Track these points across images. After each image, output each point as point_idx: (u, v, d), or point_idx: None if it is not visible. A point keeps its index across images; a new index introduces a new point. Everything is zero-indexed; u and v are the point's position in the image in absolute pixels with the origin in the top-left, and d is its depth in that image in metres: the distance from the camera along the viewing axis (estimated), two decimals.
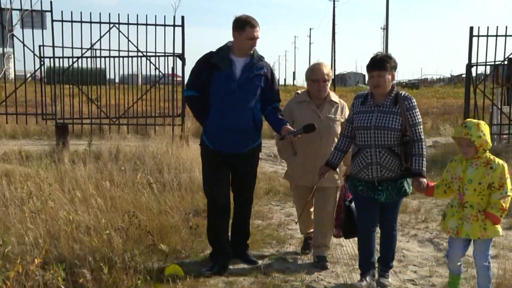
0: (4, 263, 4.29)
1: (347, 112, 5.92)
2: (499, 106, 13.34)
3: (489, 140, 4.56)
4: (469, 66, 13.02)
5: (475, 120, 4.65)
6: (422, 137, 5.00)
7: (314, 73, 5.80)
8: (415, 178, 4.89)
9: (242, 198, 5.90)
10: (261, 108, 5.68)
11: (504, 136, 13.38)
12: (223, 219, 5.72)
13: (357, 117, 5.08)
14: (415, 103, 5.04)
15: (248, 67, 5.51)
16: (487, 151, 4.62)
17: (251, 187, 5.98)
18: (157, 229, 6.01)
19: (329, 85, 5.89)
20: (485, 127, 4.56)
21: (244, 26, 5.40)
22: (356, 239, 5.48)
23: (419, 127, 4.99)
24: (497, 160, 4.61)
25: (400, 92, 5.09)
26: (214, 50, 5.69)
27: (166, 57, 12.63)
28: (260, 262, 5.85)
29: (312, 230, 6.17)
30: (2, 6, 11.81)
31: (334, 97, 5.97)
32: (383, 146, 4.93)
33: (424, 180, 4.87)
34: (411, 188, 5.07)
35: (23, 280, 4.20)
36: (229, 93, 5.41)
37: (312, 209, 6.16)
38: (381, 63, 4.93)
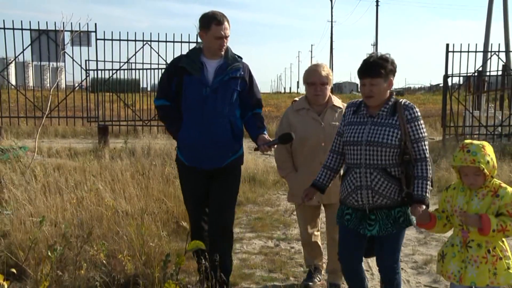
0: (58, 240, 4.33)
1: None
2: (471, 111, 13.54)
3: (496, 164, 3.21)
4: (445, 76, 13.16)
5: (477, 142, 3.22)
6: (427, 155, 3.52)
7: (310, 75, 4.33)
8: (414, 206, 3.38)
9: (218, 226, 4.18)
10: (241, 115, 4.22)
11: (475, 136, 13.22)
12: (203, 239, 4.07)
13: (347, 129, 3.62)
14: (419, 113, 3.52)
15: (221, 70, 4.07)
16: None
17: (230, 212, 4.28)
18: (182, 214, 6.01)
19: (329, 88, 4.40)
20: (490, 149, 3.21)
21: (209, 23, 4.00)
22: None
23: (423, 143, 3.51)
24: (503, 186, 3.22)
25: (400, 100, 3.59)
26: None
27: None
28: (269, 242, 5.89)
29: (319, 260, 4.71)
30: (57, 29, 11.98)
31: (336, 101, 4.48)
32: (376, 166, 3.46)
33: (426, 209, 3.39)
34: (413, 218, 3.54)
35: (73, 255, 4.23)
36: (201, 101, 4.01)
37: (318, 233, 4.72)
38: (374, 69, 3.45)
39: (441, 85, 14.27)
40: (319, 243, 4.72)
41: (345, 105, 4.19)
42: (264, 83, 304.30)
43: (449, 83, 13.38)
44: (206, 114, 4.02)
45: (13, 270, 3.92)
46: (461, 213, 3.22)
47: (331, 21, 71.14)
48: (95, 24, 12.58)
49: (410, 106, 3.55)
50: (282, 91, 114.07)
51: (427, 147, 3.54)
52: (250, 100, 4.23)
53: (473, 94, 14.15)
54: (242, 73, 4.16)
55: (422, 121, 3.55)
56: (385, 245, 3.62)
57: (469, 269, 3.22)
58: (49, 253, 4.00)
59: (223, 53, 4.11)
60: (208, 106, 4.02)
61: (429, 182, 3.48)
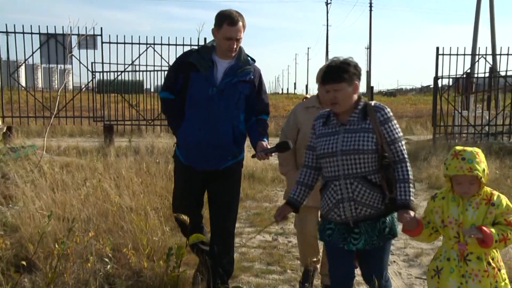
0: (65, 235, 4.33)
1: None
2: (460, 111, 13.58)
3: (487, 170, 2.94)
4: (436, 78, 13.18)
5: (470, 148, 2.92)
6: (406, 156, 3.15)
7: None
8: (401, 212, 3.01)
9: (217, 228, 3.99)
10: (245, 119, 3.90)
11: (464, 134, 13.35)
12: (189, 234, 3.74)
13: (319, 142, 3.21)
14: (391, 114, 3.15)
15: (231, 71, 3.75)
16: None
17: (229, 215, 3.98)
18: None
19: None
20: (482, 155, 2.93)
21: (221, 22, 3.66)
22: None
23: (399, 143, 3.13)
24: (496, 193, 2.96)
25: (370, 102, 3.23)
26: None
27: None
28: (268, 236, 5.88)
29: (316, 258, 4.33)
30: (64, 33, 11.98)
31: None
32: (355, 176, 3.07)
33: (412, 214, 2.98)
34: (397, 227, 3.20)
35: (80, 248, 4.23)
36: (206, 100, 3.70)
37: (315, 233, 4.06)
38: (337, 74, 3.07)
39: (432, 86, 14.34)
40: (318, 241, 4.17)
41: None
42: None
43: (439, 85, 13.40)
44: (209, 114, 3.72)
45: (23, 262, 3.94)
46: (466, 231, 2.87)
47: (327, 25, 71.09)
48: (101, 28, 12.59)
49: (381, 107, 3.17)
50: (280, 92, 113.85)
51: (404, 147, 3.17)
52: (257, 105, 3.92)
53: (462, 95, 14.27)
54: (252, 77, 3.84)
55: (395, 121, 3.19)
56: (372, 260, 3.24)
57: (470, 284, 2.89)
58: (57, 247, 4.01)
59: (233, 54, 3.78)
60: (213, 107, 3.71)
61: (411, 185, 3.09)
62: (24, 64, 13.66)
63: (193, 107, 3.76)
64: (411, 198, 3.04)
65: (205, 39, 12.39)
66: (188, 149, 3.84)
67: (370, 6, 62.23)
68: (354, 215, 3.10)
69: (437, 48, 12.84)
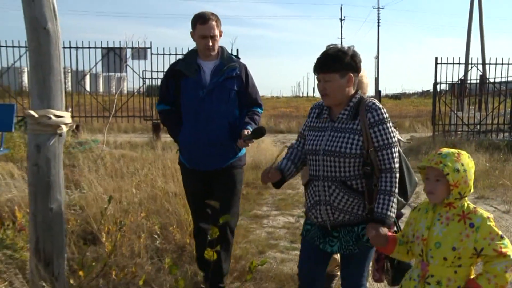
0: (121, 215, 4.37)
1: None
2: (455, 112, 13.46)
3: (471, 182, 2.12)
4: (435, 84, 13.06)
5: (455, 150, 2.17)
6: (394, 165, 2.38)
7: None
8: (370, 225, 2.33)
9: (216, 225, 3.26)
10: (240, 114, 3.43)
11: (459, 132, 13.22)
12: (204, 243, 3.39)
13: (308, 135, 2.58)
14: (385, 115, 2.39)
15: (217, 70, 3.32)
16: (466, 199, 2.14)
17: (229, 211, 3.34)
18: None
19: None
20: (467, 161, 2.12)
21: (195, 23, 3.27)
22: None
23: (389, 150, 2.37)
24: (479, 212, 2.10)
25: (368, 98, 2.47)
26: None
27: None
28: (291, 218, 5.84)
29: (333, 267, 3.59)
30: (121, 47, 12.18)
31: None
32: (333, 179, 2.41)
33: (384, 230, 2.31)
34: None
35: (134, 226, 4.27)
36: (198, 102, 3.29)
37: None
38: (328, 63, 2.40)
39: (431, 90, 14.21)
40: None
41: None
42: (285, 88, 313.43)
43: (438, 89, 13.27)
44: (203, 115, 3.29)
45: (89, 237, 4.00)
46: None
47: (341, 38, 70.71)
48: (151, 42, 12.67)
49: (374, 107, 2.40)
50: (301, 95, 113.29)
51: (395, 155, 2.40)
52: (247, 99, 3.45)
53: (457, 98, 14.15)
54: (238, 72, 3.38)
55: (389, 125, 2.41)
56: (350, 266, 2.56)
57: None
58: (116, 224, 4.05)
59: (213, 53, 3.34)
60: (205, 108, 3.28)
61: (393, 198, 2.36)
62: (88, 73, 13.86)
63: (187, 112, 3.35)
64: (389, 213, 2.34)
65: (237, 50, 12.38)
66: (189, 152, 3.41)
67: (378, 22, 62.23)
68: (331, 219, 2.46)
69: (436, 58, 12.78)
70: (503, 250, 2.03)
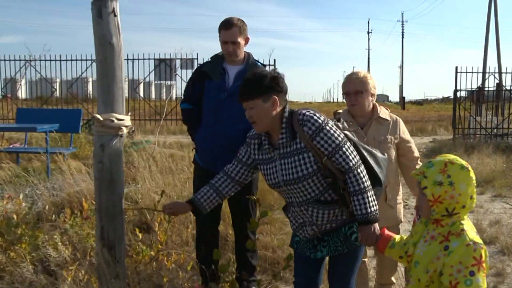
0: None
1: (402, 128, 2.87)
2: (474, 116, 13.12)
3: (462, 198, 1.65)
4: (455, 91, 12.74)
5: (449, 158, 1.70)
6: (352, 163, 2.06)
7: (345, 85, 2.85)
8: (359, 228, 2.10)
9: (237, 228, 3.35)
10: None
11: (477, 135, 12.80)
12: (205, 248, 3.17)
13: (262, 169, 2.26)
14: (320, 120, 2.06)
15: (241, 75, 3.00)
16: (462, 217, 1.69)
17: (247, 215, 3.21)
18: (258, 190, 5.98)
19: (367, 97, 2.78)
20: (458, 173, 1.65)
21: (220, 29, 3.06)
22: None
23: (340, 151, 2.05)
24: (463, 235, 1.63)
25: (296, 113, 2.12)
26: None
27: None
28: None
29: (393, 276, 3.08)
30: (171, 58, 12.43)
31: (384, 113, 2.86)
32: (307, 201, 2.14)
33: (373, 228, 2.06)
34: None
35: (183, 218, 4.29)
36: (218, 104, 3.04)
37: (365, 259, 3.09)
38: (247, 90, 2.12)
39: (452, 97, 13.92)
40: (366, 267, 3.13)
41: (394, 116, 2.92)
42: (317, 94, 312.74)
43: (458, 96, 12.94)
44: (221, 118, 3.04)
45: (144, 226, 4.05)
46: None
47: (368, 49, 70.27)
48: (197, 53, 12.89)
49: (306, 119, 2.06)
50: (331, 101, 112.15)
51: (348, 152, 2.06)
52: None
53: (476, 104, 13.85)
54: None
55: (328, 127, 2.06)
56: (337, 268, 2.27)
57: None
58: (166, 216, 4.08)
59: (237, 59, 3.09)
60: (224, 110, 3.03)
61: (367, 194, 2.05)
62: (142, 82, 14.16)
63: (207, 113, 3.11)
64: (369, 210, 2.05)
65: (274, 60, 12.36)
66: (204, 152, 3.18)
67: (402, 35, 61.83)
68: (319, 234, 2.21)
69: (456, 67, 12.47)
70: (458, 287, 1.54)
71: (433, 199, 1.66)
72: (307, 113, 2.09)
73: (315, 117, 2.07)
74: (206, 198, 2.36)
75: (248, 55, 3.17)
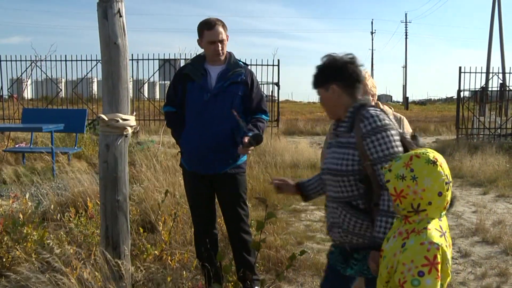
0: (175, 207, 4.40)
1: (406, 127, 2.95)
2: (477, 117, 13.07)
3: (427, 194, 1.49)
4: (458, 91, 12.65)
5: (420, 151, 1.55)
6: None
7: None
8: (373, 253, 1.85)
9: (229, 229, 3.22)
10: (246, 121, 2.97)
11: (480, 135, 12.71)
12: (205, 247, 3.09)
13: (326, 151, 2.21)
14: (380, 123, 1.88)
15: (223, 75, 2.99)
16: (433, 216, 1.54)
17: (237, 216, 3.12)
18: (262, 190, 5.99)
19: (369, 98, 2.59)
20: (423, 167, 1.50)
21: (201, 30, 2.99)
22: None
23: (385, 164, 1.76)
24: (422, 234, 1.49)
25: (363, 108, 1.98)
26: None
27: (268, 84, 12.52)
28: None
29: None
30: (175, 58, 12.43)
31: (387, 111, 2.47)
32: (338, 200, 2.00)
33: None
34: None
35: (186, 217, 4.23)
36: (202, 106, 2.96)
37: None
38: (314, 79, 2.08)
39: (455, 97, 13.82)
40: None
41: (397, 114, 2.96)
42: None
43: (461, 96, 12.85)
44: (205, 119, 2.96)
45: (148, 226, 4.05)
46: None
47: (372, 50, 70.92)
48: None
49: (367, 115, 1.90)
50: None
51: None
52: (251, 104, 3.06)
53: (479, 104, 13.77)
54: (244, 77, 3.03)
55: (388, 133, 1.87)
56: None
57: None
58: (170, 215, 4.09)
59: (222, 58, 3.03)
60: (208, 112, 2.96)
61: (392, 219, 1.81)
62: (147, 82, 14.17)
63: (191, 115, 3.03)
64: (382, 234, 1.83)
65: (278, 60, 12.34)
66: (190, 154, 3.07)
67: (406, 35, 61.28)
68: (347, 246, 2.02)
69: (460, 68, 12.33)
70: (405, 286, 1.45)
71: (395, 194, 1.55)
72: (372, 111, 1.94)
73: (376, 117, 1.90)
74: (313, 187, 2.26)
75: (229, 55, 3.10)
